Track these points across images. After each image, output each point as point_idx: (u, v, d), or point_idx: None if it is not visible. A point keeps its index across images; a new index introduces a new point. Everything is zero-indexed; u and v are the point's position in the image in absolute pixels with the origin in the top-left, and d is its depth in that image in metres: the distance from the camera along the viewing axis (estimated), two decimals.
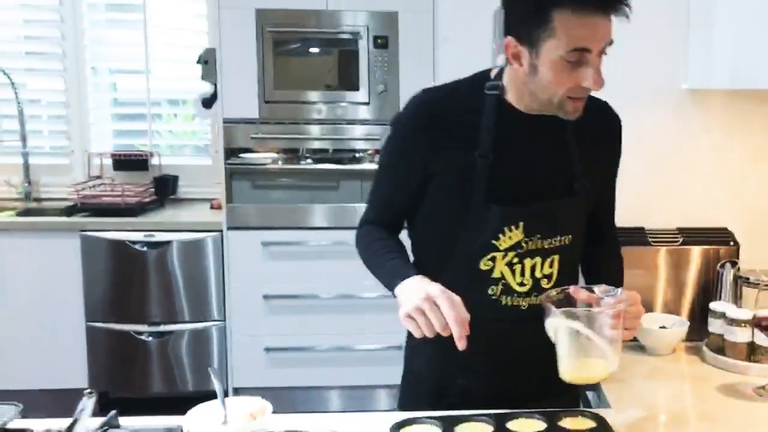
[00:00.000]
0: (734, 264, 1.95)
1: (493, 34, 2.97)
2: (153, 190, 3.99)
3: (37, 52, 4.26)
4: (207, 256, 3.63)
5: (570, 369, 1.39)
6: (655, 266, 2.03)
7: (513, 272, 1.50)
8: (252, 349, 3.59)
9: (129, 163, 4.08)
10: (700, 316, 1.97)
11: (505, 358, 1.55)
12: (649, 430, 1.50)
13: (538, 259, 1.51)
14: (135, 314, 3.64)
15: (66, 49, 4.09)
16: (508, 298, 1.51)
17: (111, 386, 3.55)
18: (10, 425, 1.43)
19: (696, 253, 2.03)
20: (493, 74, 1.53)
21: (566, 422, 1.42)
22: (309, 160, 3.66)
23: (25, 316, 3.62)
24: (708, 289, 2.01)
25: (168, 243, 3.60)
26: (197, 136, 4.44)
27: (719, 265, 1.97)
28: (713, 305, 1.89)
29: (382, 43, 3.52)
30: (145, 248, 3.59)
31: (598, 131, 1.57)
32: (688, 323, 1.94)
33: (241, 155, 3.60)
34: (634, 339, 1.90)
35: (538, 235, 1.50)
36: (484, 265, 1.50)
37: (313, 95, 3.57)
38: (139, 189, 3.90)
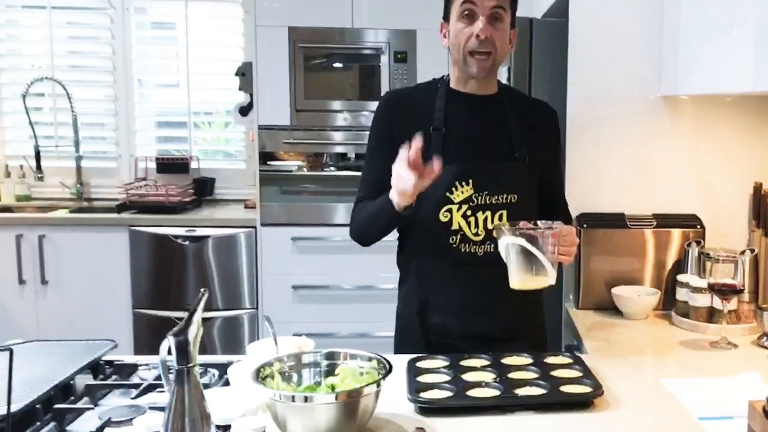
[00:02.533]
0: (699, 243, 2.25)
1: None
2: (192, 190, 4.35)
3: (90, 66, 4.63)
4: (240, 250, 3.98)
5: (518, 280, 1.72)
6: (638, 246, 2.31)
7: (468, 224, 1.87)
8: (281, 334, 3.84)
9: (171, 166, 4.45)
10: (673, 288, 2.24)
11: (469, 297, 1.89)
12: (618, 368, 1.79)
13: (488, 213, 1.87)
14: (175, 301, 3.98)
15: (116, 63, 4.48)
16: (466, 245, 1.88)
17: None
18: (105, 358, 1.80)
19: (670, 235, 2.32)
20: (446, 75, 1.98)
21: (548, 359, 1.76)
22: (332, 168, 4.01)
23: (79, 303, 3.96)
24: (681, 266, 2.29)
25: (206, 238, 3.95)
26: (229, 143, 4.78)
27: (686, 244, 2.27)
28: (680, 277, 2.21)
29: (402, 57, 3.87)
30: (186, 242, 3.95)
31: (536, 120, 1.97)
32: (659, 292, 2.25)
33: (270, 162, 3.93)
34: (614, 307, 2.25)
35: (486, 192, 1.87)
36: (443, 216, 1.86)
37: (339, 104, 3.92)
38: (181, 189, 4.26)
